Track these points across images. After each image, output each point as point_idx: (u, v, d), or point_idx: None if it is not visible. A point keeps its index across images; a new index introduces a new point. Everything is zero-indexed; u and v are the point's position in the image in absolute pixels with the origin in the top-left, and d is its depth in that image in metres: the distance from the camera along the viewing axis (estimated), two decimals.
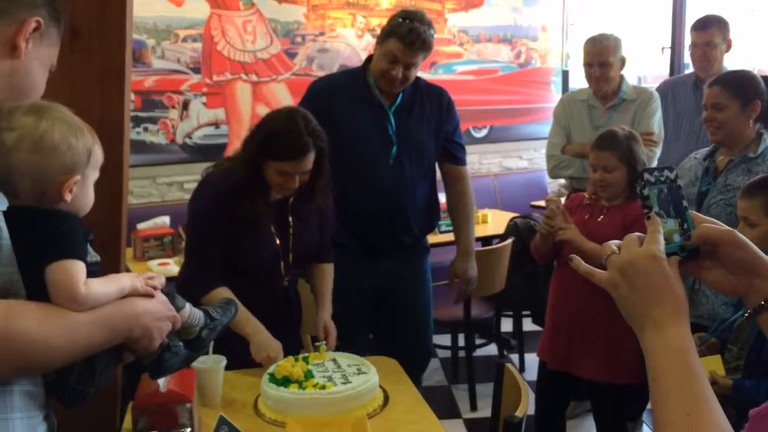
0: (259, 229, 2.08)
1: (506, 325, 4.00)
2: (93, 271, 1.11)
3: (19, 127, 1.04)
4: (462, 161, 2.66)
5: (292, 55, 4.60)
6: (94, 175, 1.14)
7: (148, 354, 1.22)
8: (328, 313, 2.22)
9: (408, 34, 2.31)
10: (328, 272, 2.30)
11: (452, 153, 2.62)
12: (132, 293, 1.14)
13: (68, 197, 1.08)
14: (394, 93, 2.46)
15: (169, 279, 1.43)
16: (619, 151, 2.33)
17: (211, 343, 1.85)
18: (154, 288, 1.18)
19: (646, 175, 0.88)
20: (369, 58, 2.52)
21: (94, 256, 1.14)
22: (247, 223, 2.04)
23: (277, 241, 2.11)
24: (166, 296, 1.22)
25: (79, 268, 1.05)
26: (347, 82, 2.51)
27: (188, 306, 1.31)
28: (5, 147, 1.04)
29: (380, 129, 2.45)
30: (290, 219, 2.13)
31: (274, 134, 1.96)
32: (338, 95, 2.47)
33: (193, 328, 1.33)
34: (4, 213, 1.05)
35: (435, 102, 2.54)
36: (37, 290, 1.04)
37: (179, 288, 2.07)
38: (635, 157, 2.34)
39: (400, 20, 2.36)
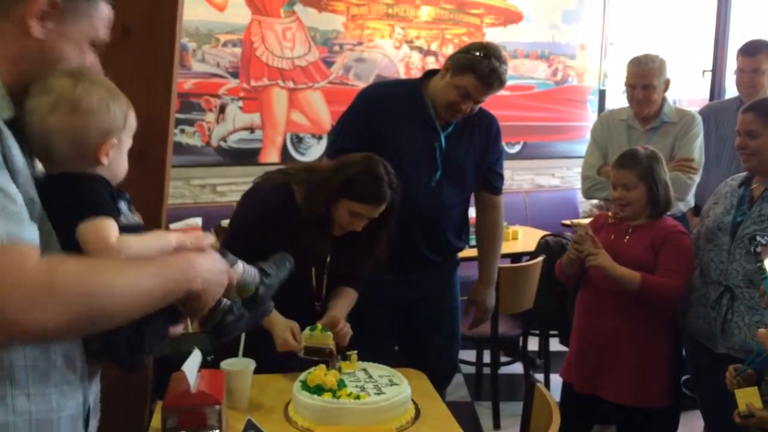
0: (297, 250, 2.06)
1: (533, 344, 3.95)
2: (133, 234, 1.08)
3: (56, 89, 1.03)
4: (498, 191, 2.61)
5: (329, 64, 4.62)
6: (128, 141, 1.13)
7: (209, 317, 1.20)
8: (339, 311, 2.10)
9: (489, 75, 2.26)
10: (349, 294, 2.21)
11: (491, 182, 2.58)
12: (179, 248, 1.10)
13: (105, 160, 1.08)
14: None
15: None
16: (639, 169, 2.34)
17: (241, 347, 1.88)
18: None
19: (759, 238, 0.87)
20: (427, 73, 2.44)
21: (131, 218, 1.12)
22: (287, 242, 1.97)
23: (312, 269, 2.09)
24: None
25: (108, 224, 1.03)
26: (401, 95, 2.42)
27: (240, 263, 1.28)
28: (43, 109, 1.03)
29: (428, 150, 2.39)
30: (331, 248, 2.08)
31: (358, 176, 1.99)
32: (390, 106, 2.38)
33: (249, 286, 1.31)
34: (41, 183, 1.03)
35: (484, 130, 2.49)
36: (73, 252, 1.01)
37: None
38: (655, 177, 2.34)
39: (480, 56, 2.27)
